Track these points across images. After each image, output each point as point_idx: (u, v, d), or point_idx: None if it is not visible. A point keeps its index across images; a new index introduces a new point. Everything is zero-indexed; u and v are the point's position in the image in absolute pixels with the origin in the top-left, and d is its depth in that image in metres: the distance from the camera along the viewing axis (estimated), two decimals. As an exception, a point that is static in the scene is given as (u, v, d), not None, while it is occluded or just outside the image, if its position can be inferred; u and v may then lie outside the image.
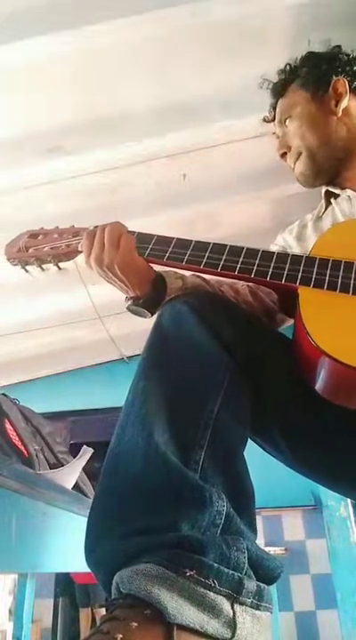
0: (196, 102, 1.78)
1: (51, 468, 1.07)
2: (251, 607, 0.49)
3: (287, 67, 1.03)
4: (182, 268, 0.80)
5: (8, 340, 3.14)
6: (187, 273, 0.85)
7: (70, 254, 0.88)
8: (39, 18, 1.41)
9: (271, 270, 0.73)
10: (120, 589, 0.47)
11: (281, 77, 1.03)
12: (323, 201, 1.01)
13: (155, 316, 0.76)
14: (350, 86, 0.96)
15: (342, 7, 1.53)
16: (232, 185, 2.25)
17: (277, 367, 0.72)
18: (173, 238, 0.80)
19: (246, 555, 0.51)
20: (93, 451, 1.18)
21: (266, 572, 0.54)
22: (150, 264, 0.82)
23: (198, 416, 0.60)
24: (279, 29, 1.56)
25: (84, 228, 0.87)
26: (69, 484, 1.11)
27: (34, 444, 1.06)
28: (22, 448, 1.02)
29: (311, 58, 1.02)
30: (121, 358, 3.80)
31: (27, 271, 0.92)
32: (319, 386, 0.68)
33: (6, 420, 1.04)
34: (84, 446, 1.17)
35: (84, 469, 1.29)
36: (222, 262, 0.75)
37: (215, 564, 0.48)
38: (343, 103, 0.96)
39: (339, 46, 1.02)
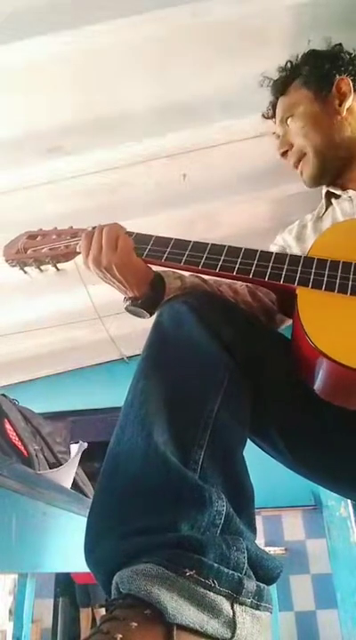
0: (196, 102, 1.78)
1: (50, 468, 1.07)
2: (251, 607, 0.49)
3: (289, 64, 1.02)
4: (180, 269, 0.80)
5: (8, 339, 3.14)
6: (186, 273, 0.85)
7: (69, 255, 0.88)
8: (39, 18, 1.41)
9: (269, 271, 0.73)
10: (120, 589, 0.47)
11: (282, 75, 1.02)
12: (323, 201, 1.01)
13: (154, 316, 0.76)
14: (353, 85, 0.96)
15: (341, 7, 1.53)
16: (232, 185, 2.25)
17: (276, 367, 0.72)
18: (172, 239, 0.80)
19: (245, 555, 0.52)
20: (86, 445, 1.18)
21: (266, 571, 0.54)
22: (149, 264, 0.82)
23: (198, 416, 0.60)
24: (279, 29, 1.56)
25: (83, 229, 0.87)
26: (68, 482, 1.11)
27: (34, 444, 1.06)
28: (22, 448, 1.02)
29: (313, 56, 1.01)
30: (121, 358, 3.80)
31: (25, 272, 0.92)
32: (317, 386, 0.68)
33: (6, 421, 1.04)
34: (80, 442, 1.18)
35: (84, 469, 1.29)
36: (220, 263, 0.75)
37: (215, 564, 0.48)
38: (348, 103, 0.95)
39: (340, 45, 1.01)
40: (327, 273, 0.71)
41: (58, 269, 0.90)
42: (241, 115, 1.81)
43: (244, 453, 0.64)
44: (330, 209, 0.98)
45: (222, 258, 0.76)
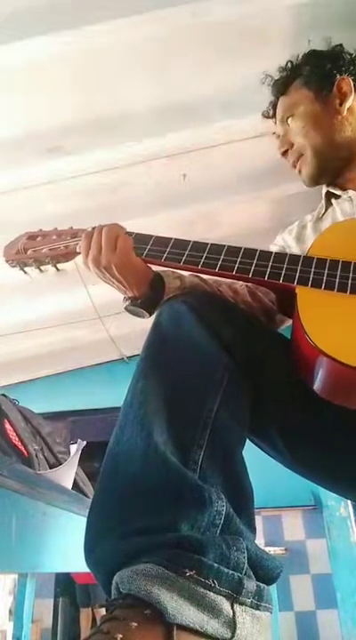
0: (196, 102, 1.78)
1: (50, 469, 1.07)
2: (251, 607, 0.49)
3: (289, 64, 1.02)
4: (180, 269, 0.80)
5: (8, 339, 3.14)
6: (185, 273, 0.85)
7: (69, 255, 0.88)
8: (39, 18, 1.41)
9: (268, 270, 0.73)
10: (120, 589, 0.47)
11: (283, 75, 1.02)
12: (323, 202, 1.01)
13: (154, 316, 0.76)
14: (354, 85, 0.96)
15: (341, 7, 1.53)
16: (232, 185, 2.25)
17: (276, 367, 0.72)
18: (172, 239, 0.80)
19: (245, 555, 0.51)
20: (85, 443, 1.18)
21: (266, 571, 0.54)
22: (148, 264, 0.82)
23: (197, 416, 0.60)
24: (279, 29, 1.56)
25: (83, 230, 0.87)
26: (69, 482, 1.11)
27: (33, 444, 1.06)
28: (22, 448, 1.02)
29: (313, 56, 1.01)
30: (121, 358, 3.80)
31: (25, 272, 0.92)
32: (317, 386, 0.68)
33: (6, 421, 1.04)
34: (79, 441, 1.18)
35: (84, 469, 1.29)
36: (219, 262, 0.75)
37: (215, 564, 0.48)
38: (348, 102, 0.95)
39: (341, 45, 1.01)
40: (326, 272, 0.71)
41: (58, 270, 0.90)
42: (241, 115, 1.81)
43: (244, 453, 0.64)
44: (330, 209, 0.98)
45: (222, 257, 0.76)
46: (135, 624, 0.43)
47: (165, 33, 1.52)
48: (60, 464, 1.13)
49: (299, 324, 0.67)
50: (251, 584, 0.50)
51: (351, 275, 0.71)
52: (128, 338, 3.36)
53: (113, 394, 1.98)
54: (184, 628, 0.44)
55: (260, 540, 2.85)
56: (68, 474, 1.10)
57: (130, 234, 0.83)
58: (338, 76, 0.96)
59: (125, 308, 0.84)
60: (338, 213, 0.95)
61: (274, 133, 1.05)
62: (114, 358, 3.82)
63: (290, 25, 1.55)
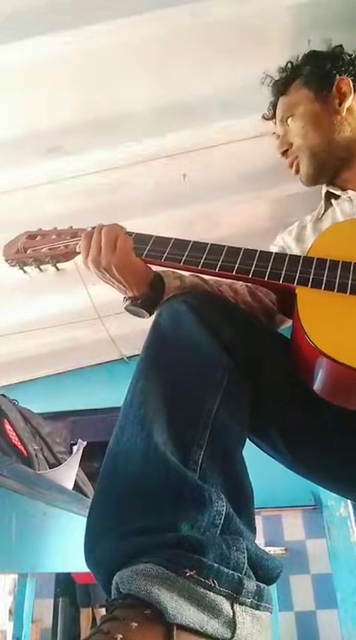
0: (196, 102, 1.78)
1: (50, 469, 1.07)
2: (251, 607, 0.49)
3: (289, 65, 1.02)
4: (179, 269, 0.80)
5: (8, 339, 3.14)
6: (185, 273, 0.85)
7: (69, 255, 0.88)
8: (39, 18, 1.41)
9: (268, 270, 0.73)
10: (120, 589, 0.47)
11: (283, 75, 1.02)
12: (323, 202, 1.01)
13: (154, 316, 0.76)
14: (354, 86, 0.96)
15: (342, 7, 1.53)
16: (232, 185, 2.25)
17: (276, 367, 0.72)
18: (172, 239, 0.80)
19: (245, 555, 0.52)
20: (86, 443, 1.18)
21: (266, 571, 0.54)
22: (148, 264, 0.82)
23: (197, 416, 0.60)
24: (279, 29, 1.56)
25: (83, 229, 0.87)
26: (70, 482, 1.11)
27: (33, 444, 1.06)
28: (22, 448, 1.02)
29: (313, 56, 1.01)
30: (121, 358, 3.80)
31: (25, 272, 0.92)
32: (317, 386, 0.68)
33: (5, 421, 1.04)
34: (79, 440, 1.18)
35: (84, 469, 1.29)
36: (219, 262, 0.75)
37: (215, 564, 0.48)
38: (348, 102, 0.96)
39: (341, 46, 1.02)
40: (326, 272, 0.71)
41: (58, 269, 0.90)
42: (241, 115, 1.81)
43: (244, 453, 0.64)
44: (330, 210, 0.98)
45: (222, 258, 0.76)
46: (135, 624, 0.43)
47: (165, 33, 1.52)
48: (60, 464, 1.13)
49: (299, 324, 0.67)
50: (251, 584, 0.50)
51: (351, 275, 0.71)
52: (128, 338, 3.36)
53: (113, 394, 1.98)
54: (184, 628, 0.44)
55: (260, 540, 2.85)
56: (68, 474, 1.10)
57: (130, 234, 0.83)
58: (338, 77, 0.97)
59: (125, 308, 0.84)
60: (338, 214, 0.95)
61: (274, 134, 1.05)
62: (114, 358, 3.82)
63: (290, 25, 1.55)
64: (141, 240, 0.81)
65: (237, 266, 0.74)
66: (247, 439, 0.73)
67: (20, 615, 1.60)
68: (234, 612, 0.47)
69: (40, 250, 0.89)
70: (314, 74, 0.98)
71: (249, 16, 1.52)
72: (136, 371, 0.66)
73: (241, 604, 0.48)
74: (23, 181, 1.99)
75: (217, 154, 2.04)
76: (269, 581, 0.54)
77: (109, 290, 0.85)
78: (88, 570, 0.55)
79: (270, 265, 0.74)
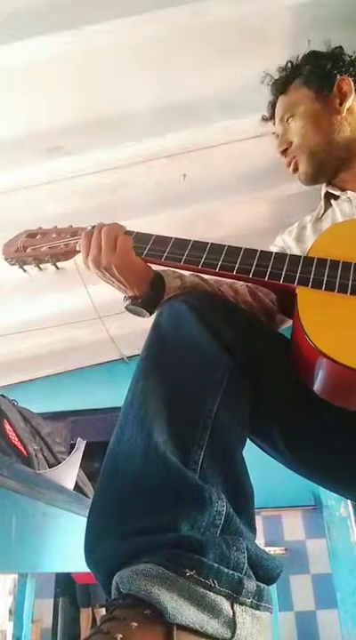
0: (196, 102, 1.78)
1: (50, 469, 1.07)
2: (251, 607, 0.49)
3: (289, 64, 1.02)
4: (180, 268, 0.80)
5: (8, 339, 3.14)
6: (186, 273, 0.85)
7: (68, 254, 0.88)
8: (39, 18, 1.41)
9: (269, 270, 0.73)
10: (120, 589, 0.47)
11: (283, 74, 1.02)
12: (322, 202, 1.01)
13: (154, 316, 0.75)
14: (354, 86, 0.96)
15: (342, 7, 1.53)
16: (232, 185, 2.25)
17: (276, 367, 0.72)
18: (172, 238, 0.80)
19: (245, 555, 0.51)
20: (86, 442, 1.18)
21: (266, 571, 0.54)
22: (149, 264, 0.82)
23: (197, 416, 0.60)
24: (279, 29, 1.56)
25: (83, 228, 0.87)
26: (70, 482, 1.11)
27: (33, 444, 1.06)
28: (22, 448, 1.02)
29: (314, 56, 1.01)
30: (121, 358, 3.80)
31: (25, 271, 0.92)
32: (317, 387, 0.68)
33: (5, 421, 1.04)
34: (79, 439, 1.18)
35: (84, 469, 1.29)
36: (220, 262, 0.75)
37: (215, 564, 0.48)
38: (348, 102, 0.96)
39: (341, 47, 1.02)
40: (326, 273, 0.71)
41: (57, 268, 0.90)
42: (241, 115, 1.81)
43: (244, 453, 0.64)
44: (329, 210, 0.98)
45: (222, 257, 0.76)
46: (135, 624, 0.43)
47: (165, 33, 1.52)
48: (60, 464, 1.12)
49: (299, 324, 0.67)
50: (251, 584, 0.50)
51: (351, 275, 0.71)
52: (128, 338, 3.36)
53: (113, 394, 1.98)
54: (184, 628, 0.44)
55: (260, 540, 2.85)
56: (68, 473, 1.09)
57: (130, 233, 0.83)
58: (338, 77, 0.97)
59: (126, 308, 0.84)
60: (338, 214, 0.95)
61: (274, 133, 1.05)
62: (114, 358, 3.82)
63: (290, 25, 1.56)
64: (141, 239, 0.81)
65: (237, 265, 0.74)
66: (248, 439, 0.73)
67: (20, 615, 1.60)
68: (234, 612, 0.47)
69: (40, 248, 0.89)
70: (315, 73, 0.98)
71: (249, 16, 1.52)
72: (136, 370, 0.66)
73: (241, 603, 0.48)
74: (23, 181, 1.99)
75: (217, 154, 2.04)
76: (269, 581, 0.54)
77: (109, 290, 0.85)
78: (88, 570, 0.55)
79: (270, 265, 0.74)
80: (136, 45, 1.55)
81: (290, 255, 0.76)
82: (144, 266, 0.81)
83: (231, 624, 0.47)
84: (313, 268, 0.72)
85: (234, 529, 0.53)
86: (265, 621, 0.51)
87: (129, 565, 0.48)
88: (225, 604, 0.47)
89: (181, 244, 0.79)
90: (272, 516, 3.25)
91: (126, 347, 3.62)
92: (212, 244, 0.78)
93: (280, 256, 0.75)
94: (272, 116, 1.04)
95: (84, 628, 3.52)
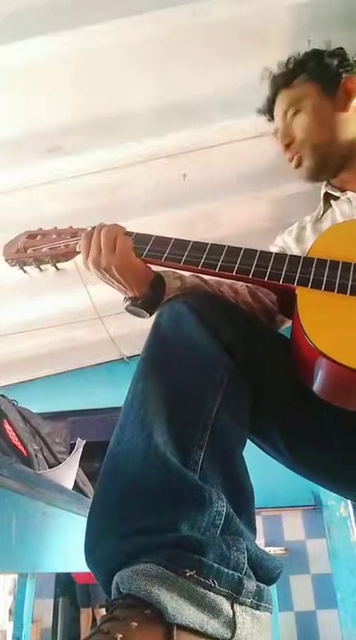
0: (196, 102, 1.77)
1: (50, 469, 1.07)
2: (251, 607, 0.49)
3: (292, 59, 1.01)
4: (180, 269, 0.80)
5: (8, 339, 3.14)
6: (186, 273, 0.85)
7: (69, 255, 0.88)
8: (39, 18, 1.41)
9: (268, 271, 0.73)
10: (120, 589, 0.47)
11: (286, 69, 1.01)
12: (321, 203, 1.01)
13: (154, 316, 0.76)
14: None
15: (341, 7, 1.53)
16: (232, 185, 2.25)
17: (276, 368, 0.72)
18: (172, 239, 0.80)
19: (245, 555, 0.52)
20: (85, 442, 1.18)
21: (266, 572, 0.54)
22: (149, 265, 0.82)
23: (198, 416, 0.60)
24: (279, 29, 1.56)
25: (83, 229, 0.87)
26: (70, 481, 1.11)
27: (33, 444, 1.06)
28: (21, 448, 1.02)
29: (318, 54, 1.01)
30: (121, 358, 3.80)
31: (25, 272, 0.92)
32: (317, 387, 0.68)
33: (5, 421, 1.04)
34: (78, 439, 1.18)
35: (84, 469, 1.29)
36: (219, 263, 0.75)
37: (215, 564, 0.48)
38: (354, 101, 0.95)
39: (342, 48, 1.02)
40: (326, 273, 0.71)
41: (58, 269, 0.90)
42: (241, 115, 1.80)
43: (244, 453, 0.64)
44: (329, 210, 0.98)
45: (222, 258, 0.76)
46: (135, 624, 0.43)
47: (165, 33, 1.52)
48: (60, 464, 1.12)
49: (299, 325, 0.67)
50: (251, 584, 0.50)
51: (351, 276, 0.71)
52: (128, 338, 3.36)
53: (113, 394, 1.99)
54: (184, 628, 0.44)
55: (260, 540, 2.85)
56: (68, 473, 1.10)
57: (130, 234, 0.83)
58: (345, 75, 0.97)
59: (126, 309, 0.84)
60: (337, 215, 0.95)
61: (276, 131, 1.04)
62: (114, 358, 3.82)
63: (290, 25, 1.55)
64: (141, 240, 0.81)
65: (237, 266, 0.74)
66: (250, 440, 0.73)
67: (20, 615, 1.60)
68: (234, 612, 0.47)
69: (40, 249, 0.89)
70: (321, 71, 0.98)
71: (249, 16, 1.52)
72: (137, 371, 0.66)
73: (241, 604, 0.48)
74: (23, 181, 1.99)
75: (217, 154, 2.04)
76: (269, 581, 0.54)
77: (109, 290, 0.85)
78: (88, 570, 0.55)
79: (270, 265, 0.74)
80: (136, 45, 1.55)
81: (290, 255, 0.76)
82: (144, 267, 0.81)
83: (231, 624, 0.47)
84: (313, 269, 0.72)
85: (234, 529, 0.53)
86: (265, 621, 0.51)
87: (129, 565, 0.48)
88: (225, 604, 0.47)
89: (180, 244, 0.79)
90: (272, 516, 3.25)
91: (126, 347, 3.62)
92: (211, 244, 0.78)
93: (280, 256, 0.75)
94: (269, 111, 1.03)
95: (84, 628, 3.52)
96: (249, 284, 0.92)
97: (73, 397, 3.80)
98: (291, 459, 0.76)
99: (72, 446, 1.19)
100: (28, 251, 0.90)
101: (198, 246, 0.78)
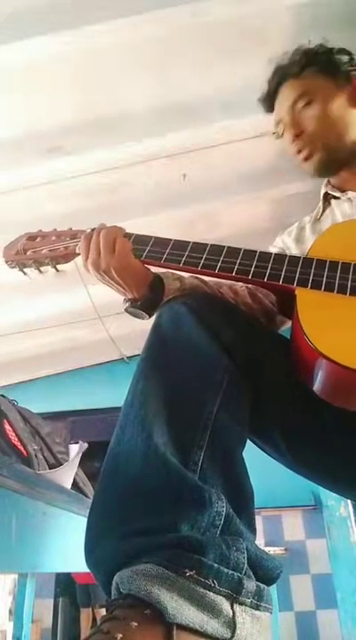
0: (196, 102, 1.78)
1: (50, 469, 1.07)
2: (250, 607, 0.49)
3: (301, 50, 0.99)
4: (179, 270, 0.80)
5: (8, 340, 3.14)
6: (185, 275, 0.85)
7: (68, 257, 0.88)
8: (39, 18, 1.41)
9: (268, 271, 0.73)
10: (120, 589, 0.47)
11: (296, 59, 0.98)
12: (321, 203, 1.01)
13: (154, 317, 0.76)
14: None
15: (341, 7, 1.53)
16: (232, 185, 2.25)
17: (276, 369, 0.72)
18: (171, 240, 0.80)
19: (245, 555, 0.52)
20: (87, 445, 1.19)
21: (265, 572, 0.54)
22: (148, 266, 0.82)
23: (197, 417, 0.60)
24: (279, 29, 1.55)
25: (83, 231, 0.87)
26: (68, 483, 1.11)
27: (33, 444, 1.06)
28: (21, 448, 1.02)
29: (327, 50, 0.99)
30: (121, 358, 3.80)
31: (25, 274, 0.92)
32: (317, 387, 0.68)
33: (5, 421, 1.04)
34: (80, 442, 1.18)
35: (84, 469, 1.29)
36: (219, 263, 0.75)
37: (215, 565, 0.48)
38: None
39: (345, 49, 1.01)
40: (326, 273, 0.71)
41: (57, 270, 0.90)
42: (241, 115, 1.80)
43: (244, 454, 0.64)
44: (328, 210, 0.98)
45: (222, 258, 0.76)
46: (135, 624, 0.43)
47: (165, 33, 1.52)
48: (60, 464, 1.13)
49: (298, 325, 0.67)
50: (251, 584, 0.50)
51: (350, 276, 0.71)
52: (128, 338, 3.37)
53: (113, 394, 1.99)
54: (184, 628, 0.44)
55: (260, 540, 2.85)
56: (67, 475, 1.10)
57: (129, 235, 0.83)
58: (354, 73, 0.96)
59: (125, 310, 0.84)
60: (338, 214, 0.95)
61: (277, 122, 1.00)
62: (114, 358, 3.82)
63: (290, 25, 1.55)
64: (140, 241, 0.81)
65: (236, 267, 0.74)
66: (250, 441, 0.73)
67: (20, 615, 1.60)
68: (234, 612, 0.47)
69: (40, 251, 0.89)
70: (333, 65, 0.96)
71: (249, 16, 1.52)
72: (137, 372, 0.66)
73: (241, 604, 0.48)
74: (23, 181, 1.99)
75: (217, 154, 2.04)
76: (269, 582, 0.54)
77: (109, 290, 0.86)
78: (88, 570, 0.55)
79: (269, 266, 0.74)
80: (136, 45, 1.55)
81: (289, 256, 0.76)
82: (143, 268, 0.81)
83: (231, 624, 0.47)
84: (312, 269, 0.72)
85: (234, 529, 0.53)
86: (265, 621, 0.51)
87: (129, 566, 0.48)
88: (225, 604, 0.47)
89: (180, 245, 0.79)
90: (272, 515, 3.25)
91: (126, 347, 3.62)
92: (211, 245, 0.78)
93: (279, 257, 0.75)
94: (271, 100, 1.00)
95: (84, 628, 3.52)
96: (249, 285, 0.92)
97: (73, 397, 3.80)
98: (291, 459, 0.76)
99: (70, 445, 1.20)
100: (28, 252, 0.90)
101: (198, 247, 0.78)
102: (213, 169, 2.13)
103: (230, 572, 0.49)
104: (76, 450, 1.17)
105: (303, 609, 3.03)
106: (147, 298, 0.81)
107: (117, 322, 3.13)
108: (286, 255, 0.76)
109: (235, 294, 0.91)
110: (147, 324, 0.76)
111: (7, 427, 1.04)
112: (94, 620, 3.48)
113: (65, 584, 3.69)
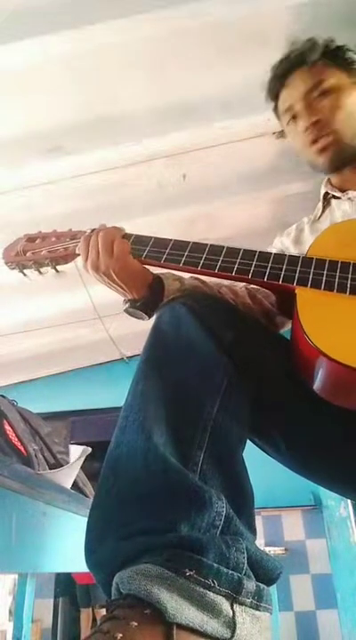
0: (196, 102, 1.77)
1: (50, 469, 1.07)
2: (250, 607, 0.49)
3: (312, 40, 0.97)
4: (179, 270, 0.80)
5: (8, 340, 3.14)
6: (185, 275, 0.85)
7: (68, 257, 0.89)
8: (39, 18, 1.41)
9: (268, 271, 0.73)
10: (120, 590, 0.47)
11: (307, 48, 0.96)
12: (320, 204, 1.01)
13: (154, 317, 0.76)
14: None
15: (341, 7, 1.53)
16: (232, 185, 2.25)
17: (276, 369, 0.72)
18: (171, 240, 0.80)
19: (245, 555, 0.52)
20: (91, 450, 1.19)
21: (265, 572, 0.54)
22: (148, 266, 0.82)
23: (197, 417, 0.60)
24: (279, 29, 1.55)
25: (82, 232, 0.88)
26: (68, 484, 1.11)
27: (33, 445, 1.06)
28: (21, 448, 1.02)
29: (338, 46, 0.97)
30: (121, 358, 3.80)
31: (25, 275, 0.92)
32: (317, 386, 0.68)
33: (5, 421, 1.04)
34: (84, 447, 1.18)
35: (84, 469, 1.29)
36: (219, 263, 0.75)
37: (215, 565, 0.48)
38: None
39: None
40: (325, 272, 0.71)
41: (57, 271, 0.90)
42: (241, 115, 1.80)
43: (244, 454, 0.64)
44: (328, 210, 0.98)
45: (221, 258, 0.76)
46: (135, 623, 0.43)
47: (165, 33, 1.52)
48: (60, 464, 1.13)
49: (299, 324, 0.67)
50: (251, 584, 0.50)
51: (350, 275, 0.71)
52: (128, 338, 3.36)
53: (113, 394, 1.99)
54: (184, 628, 0.44)
55: (260, 540, 2.86)
56: (67, 477, 1.10)
57: (129, 235, 0.83)
58: None
59: (125, 311, 0.84)
60: (338, 214, 0.95)
61: (286, 109, 0.98)
62: (114, 358, 3.82)
63: (290, 25, 1.55)
64: (140, 241, 0.81)
65: (236, 267, 0.75)
66: (251, 441, 0.73)
67: (20, 615, 1.60)
68: (234, 612, 0.47)
69: (40, 252, 0.89)
70: (348, 61, 0.96)
71: (249, 16, 1.52)
72: (136, 372, 0.66)
73: (241, 604, 0.49)
74: (23, 181, 1.99)
75: (217, 154, 2.04)
76: (269, 582, 0.54)
77: (109, 290, 0.86)
78: (88, 570, 0.55)
79: (269, 265, 0.74)
80: (136, 45, 1.55)
81: (289, 255, 0.76)
82: (142, 269, 0.81)
83: (231, 624, 0.47)
84: (312, 268, 0.72)
85: (234, 530, 0.53)
86: (265, 622, 0.51)
87: (129, 566, 0.48)
88: (225, 604, 0.47)
89: (180, 245, 0.79)
90: (272, 515, 3.25)
91: (126, 347, 3.62)
92: (211, 245, 0.78)
93: (279, 256, 0.76)
94: (278, 88, 0.98)
95: (84, 628, 3.52)
96: (249, 286, 0.92)
97: (73, 397, 3.80)
98: (292, 459, 0.76)
99: (69, 445, 1.19)
100: (28, 254, 0.90)
101: (198, 247, 0.78)
102: (212, 169, 2.13)
103: (230, 572, 0.49)
104: (78, 451, 1.17)
105: (303, 609, 3.03)
106: (146, 298, 0.81)
107: (117, 322, 3.13)
108: (285, 255, 0.76)
109: (235, 295, 0.91)
110: (147, 324, 0.76)
111: (7, 427, 1.04)
112: (94, 620, 3.48)
113: (65, 584, 3.69)
